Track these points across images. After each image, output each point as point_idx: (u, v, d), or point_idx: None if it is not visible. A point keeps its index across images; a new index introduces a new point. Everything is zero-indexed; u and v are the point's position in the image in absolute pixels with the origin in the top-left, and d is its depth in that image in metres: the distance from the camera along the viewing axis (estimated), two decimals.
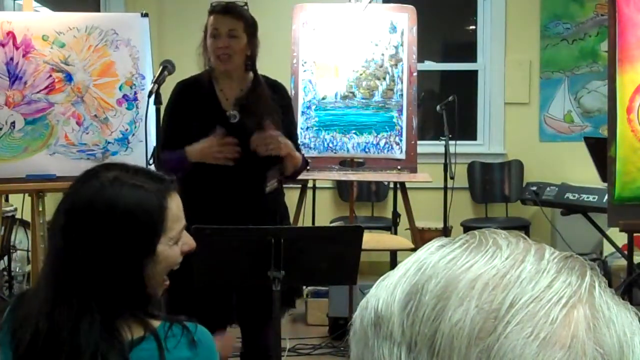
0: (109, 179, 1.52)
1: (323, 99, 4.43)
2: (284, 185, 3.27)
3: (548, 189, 5.34)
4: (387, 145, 4.39)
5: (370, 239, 4.26)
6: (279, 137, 3.00)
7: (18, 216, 4.86)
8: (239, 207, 3.00)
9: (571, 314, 0.55)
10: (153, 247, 1.51)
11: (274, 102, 3.08)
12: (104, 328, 1.44)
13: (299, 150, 3.21)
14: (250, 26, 3.07)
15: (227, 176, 3.01)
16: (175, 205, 1.57)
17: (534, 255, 0.59)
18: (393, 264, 4.97)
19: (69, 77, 3.91)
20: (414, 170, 4.38)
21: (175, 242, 1.57)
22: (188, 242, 1.62)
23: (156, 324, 1.50)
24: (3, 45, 3.85)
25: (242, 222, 2.82)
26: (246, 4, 3.13)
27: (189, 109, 3.05)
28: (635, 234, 3.93)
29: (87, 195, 1.50)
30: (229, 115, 3.03)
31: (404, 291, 0.59)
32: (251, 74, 3.11)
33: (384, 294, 0.61)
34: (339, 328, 4.54)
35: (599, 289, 0.58)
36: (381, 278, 0.64)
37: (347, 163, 4.43)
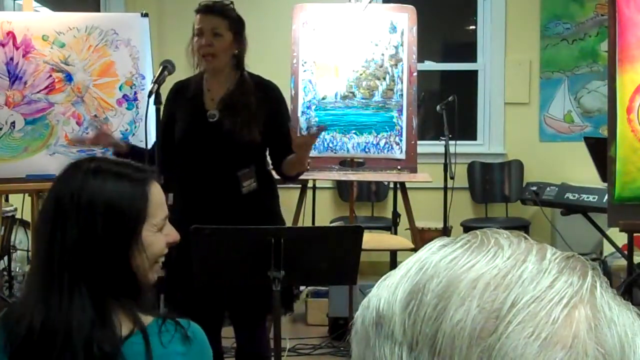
0: (91, 168, 1.55)
1: (323, 99, 4.43)
2: (279, 186, 3.25)
3: (548, 189, 5.34)
4: (387, 145, 4.39)
5: (370, 239, 4.26)
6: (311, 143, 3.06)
7: (18, 216, 4.86)
8: (216, 209, 2.99)
9: (572, 314, 0.55)
10: (137, 233, 1.53)
11: (260, 102, 3.05)
12: (96, 317, 1.45)
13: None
14: (236, 24, 3.07)
15: (203, 178, 3.02)
16: (157, 192, 1.59)
17: (535, 255, 0.59)
18: (393, 264, 4.97)
19: (69, 77, 3.91)
20: (414, 170, 4.38)
21: (159, 230, 1.59)
22: (171, 233, 1.64)
23: (149, 319, 1.51)
24: (3, 45, 3.84)
25: (223, 223, 2.80)
26: (232, 2, 3.12)
27: (176, 109, 3.07)
28: (635, 234, 3.92)
29: (71, 186, 1.52)
30: (209, 114, 3.03)
31: (406, 290, 0.59)
32: (239, 73, 3.11)
33: (385, 293, 0.61)
34: (339, 328, 4.54)
35: (601, 289, 0.58)
36: (383, 277, 0.64)
37: (347, 163, 4.43)
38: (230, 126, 2.98)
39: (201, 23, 3.04)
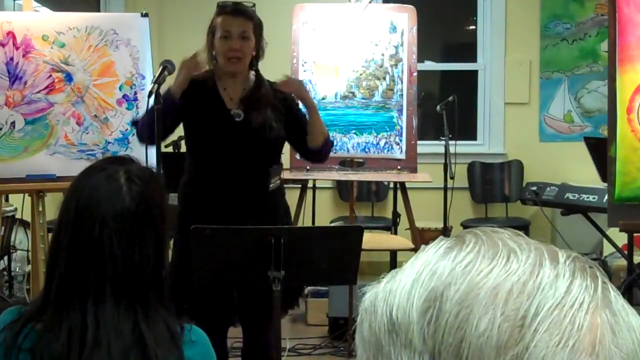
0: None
1: (323, 99, 4.42)
2: (285, 185, 3.29)
3: (548, 189, 5.34)
4: (387, 145, 4.39)
5: (370, 239, 4.26)
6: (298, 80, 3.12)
7: (18, 216, 4.86)
8: (243, 206, 3.01)
9: (595, 320, 0.55)
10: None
11: (276, 101, 3.09)
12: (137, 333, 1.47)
13: None
14: (259, 27, 3.09)
15: (231, 175, 3.02)
16: None
17: (549, 259, 0.58)
18: (393, 264, 4.97)
19: (69, 77, 3.91)
20: (414, 170, 4.37)
21: None
22: None
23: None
24: (3, 45, 3.84)
25: (247, 221, 2.84)
26: (254, 4, 3.13)
27: (191, 108, 3.05)
28: (635, 234, 3.92)
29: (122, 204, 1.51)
30: (233, 114, 3.04)
31: (421, 297, 0.59)
32: (253, 73, 3.12)
33: (397, 299, 0.60)
34: (339, 328, 4.54)
35: (614, 292, 0.58)
36: (385, 279, 0.63)
37: (347, 163, 4.43)
38: (258, 125, 2.99)
39: (229, 25, 3.02)
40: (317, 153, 3.24)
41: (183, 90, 2.99)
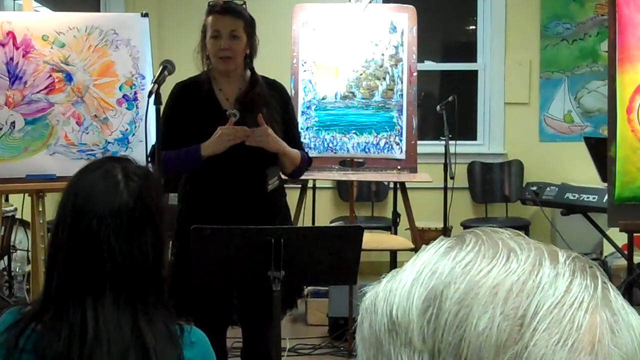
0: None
1: (323, 99, 4.42)
2: (285, 185, 3.28)
3: (548, 189, 5.33)
4: (387, 145, 4.39)
5: (370, 239, 4.26)
6: (268, 130, 2.98)
7: (18, 216, 4.86)
8: (241, 206, 3.01)
9: (594, 319, 0.55)
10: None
11: (272, 100, 3.08)
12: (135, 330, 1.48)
13: (301, 147, 3.22)
14: (250, 25, 3.07)
15: (229, 176, 3.01)
16: None
17: (548, 259, 0.58)
18: (393, 264, 4.97)
19: (69, 77, 3.91)
20: (414, 170, 4.38)
21: None
22: None
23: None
24: (3, 45, 3.84)
25: (245, 222, 2.83)
26: (245, 2, 3.12)
27: (187, 110, 3.04)
28: (635, 234, 3.92)
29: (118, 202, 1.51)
30: (229, 114, 3.03)
31: (421, 296, 0.59)
32: (249, 72, 3.11)
33: (397, 299, 0.60)
34: (339, 328, 4.54)
35: (613, 292, 0.58)
36: (386, 279, 0.63)
37: (347, 163, 4.43)
38: (253, 125, 2.98)
39: (218, 25, 3.01)
40: (287, 175, 3.23)
41: None
